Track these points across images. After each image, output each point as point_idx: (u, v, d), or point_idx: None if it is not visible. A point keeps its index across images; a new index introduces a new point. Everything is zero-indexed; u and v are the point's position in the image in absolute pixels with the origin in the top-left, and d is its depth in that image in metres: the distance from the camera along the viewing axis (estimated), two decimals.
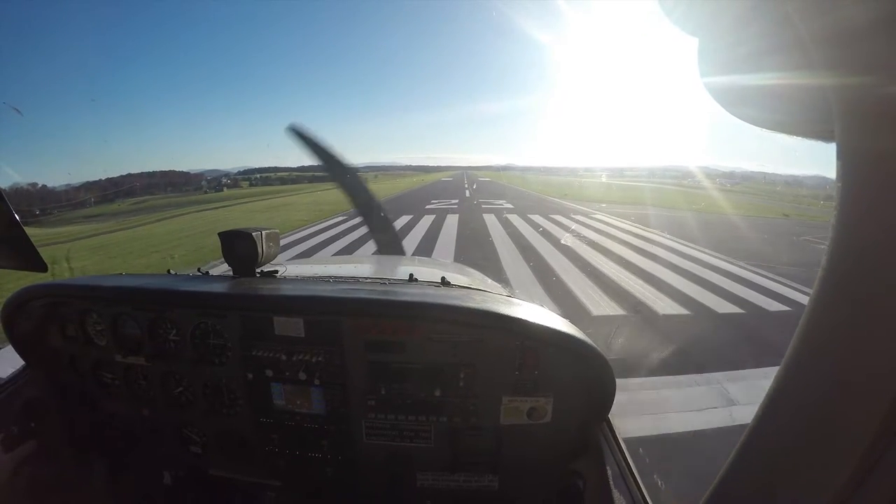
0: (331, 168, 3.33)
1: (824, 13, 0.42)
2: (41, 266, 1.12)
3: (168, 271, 1.74)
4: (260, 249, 1.54)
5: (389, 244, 3.83)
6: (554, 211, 21.65)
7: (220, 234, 1.54)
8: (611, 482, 1.20)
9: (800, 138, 0.56)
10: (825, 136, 0.49)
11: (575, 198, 31.14)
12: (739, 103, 0.61)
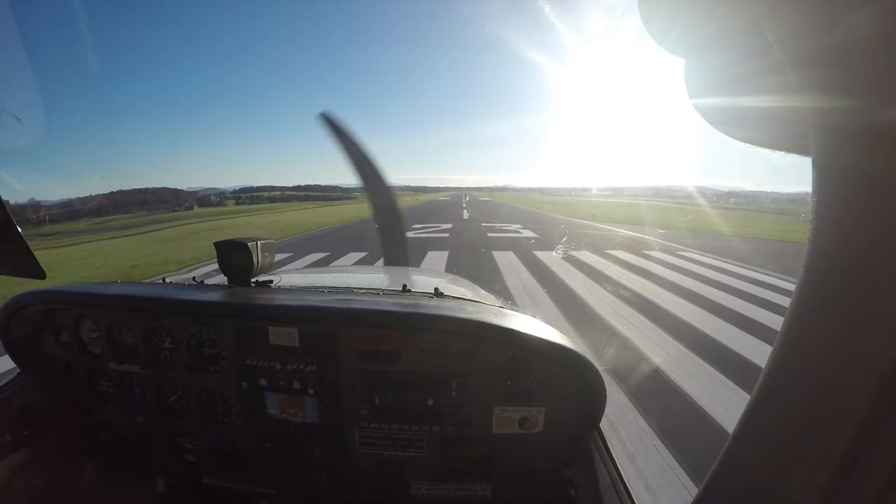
0: (356, 165, 3.29)
1: (799, 40, 0.45)
2: (39, 273, 1.13)
3: (163, 279, 1.75)
4: (255, 259, 1.55)
5: (397, 251, 3.76)
6: (607, 244, 14.09)
7: (215, 243, 1.56)
8: (602, 490, 1.22)
9: (781, 153, 0.58)
10: (803, 152, 0.51)
11: (608, 220, 24.36)
12: (725, 121, 0.63)
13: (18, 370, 1.62)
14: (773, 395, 0.51)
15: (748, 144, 0.62)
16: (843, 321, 0.44)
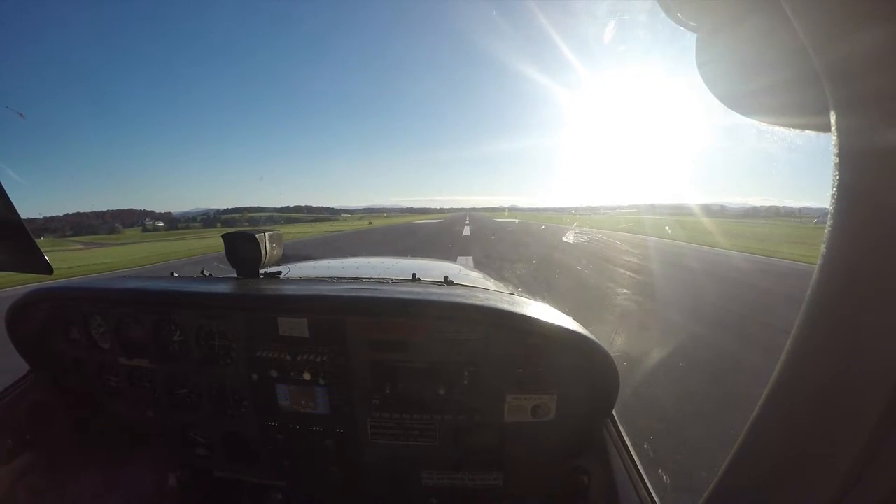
0: None
1: (818, 8, 0.42)
2: (46, 268, 1.13)
3: (171, 274, 1.75)
4: (263, 251, 1.55)
5: None
6: None
7: (223, 235, 1.56)
8: (615, 478, 1.20)
9: (797, 131, 0.56)
10: (822, 128, 0.49)
11: None
12: (737, 96, 0.62)
13: (29, 368, 1.62)
14: (782, 400, 0.50)
15: (761, 122, 0.60)
16: (857, 328, 0.42)
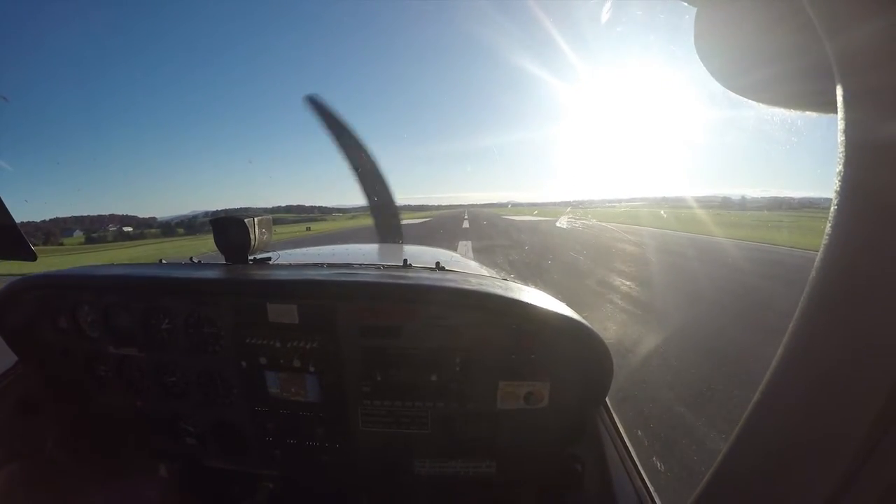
0: (343, 145, 3.46)
1: None
2: (30, 255, 1.12)
3: (160, 261, 1.72)
4: (252, 236, 1.53)
5: (391, 231, 3.84)
6: None
7: (211, 220, 1.54)
8: (609, 466, 1.20)
9: (799, 112, 0.56)
10: (826, 109, 0.48)
11: None
12: (737, 75, 0.60)
13: (17, 359, 1.58)
14: (777, 398, 0.49)
15: (762, 104, 0.59)
16: (854, 326, 0.41)
